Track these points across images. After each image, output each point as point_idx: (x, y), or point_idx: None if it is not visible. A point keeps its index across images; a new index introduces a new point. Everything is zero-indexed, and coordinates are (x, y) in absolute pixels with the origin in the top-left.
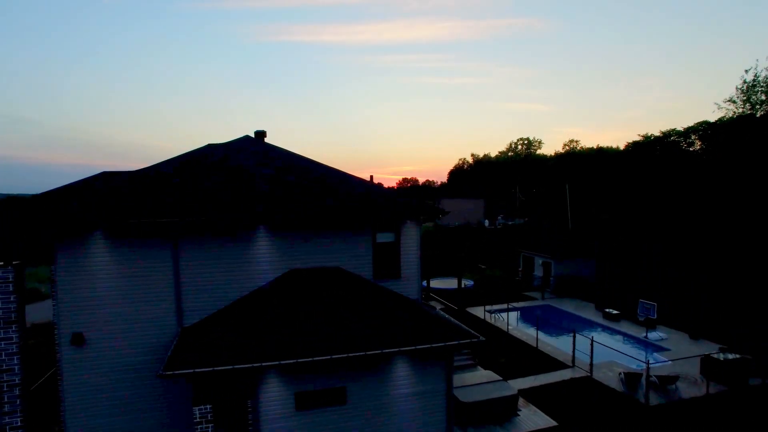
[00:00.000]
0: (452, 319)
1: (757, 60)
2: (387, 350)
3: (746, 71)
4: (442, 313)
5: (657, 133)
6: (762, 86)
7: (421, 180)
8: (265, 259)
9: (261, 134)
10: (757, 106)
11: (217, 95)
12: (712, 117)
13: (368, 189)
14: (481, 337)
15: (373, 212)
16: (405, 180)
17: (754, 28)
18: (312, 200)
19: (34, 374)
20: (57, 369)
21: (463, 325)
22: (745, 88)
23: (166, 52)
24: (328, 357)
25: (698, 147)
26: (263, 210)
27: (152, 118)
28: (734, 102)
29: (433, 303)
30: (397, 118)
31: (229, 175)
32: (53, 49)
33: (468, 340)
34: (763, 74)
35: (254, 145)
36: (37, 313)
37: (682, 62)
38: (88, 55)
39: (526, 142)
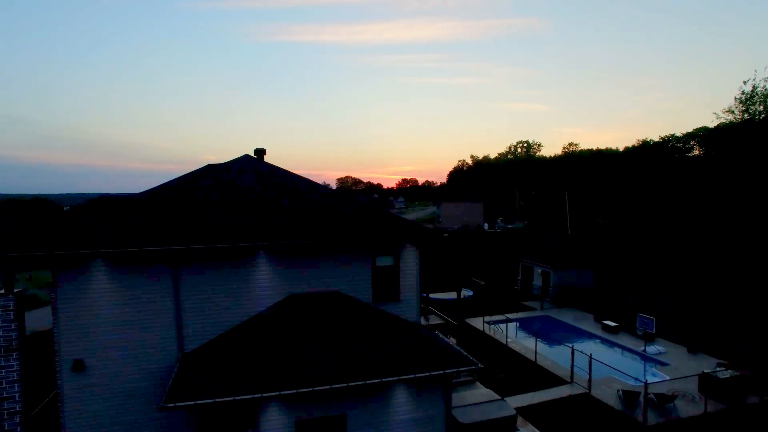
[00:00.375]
0: (451, 342)
1: (756, 71)
2: (386, 379)
3: (744, 82)
4: (441, 336)
5: (656, 137)
6: (760, 97)
7: (421, 180)
8: (264, 285)
9: (260, 152)
10: (756, 117)
11: (217, 95)
12: (711, 124)
13: (368, 211)
14: (479, 364)
15: (373, 237)
16: (405, 180)
17: (753, 28)
18: (311, 226)
19: (36, 379)
20: (58, 395)
21: (462, 351)
22: (743, 98)
23: (166, 52)
24: (328, 387)
25: (697, 153)
26: (262, 236)
27: (152, 118)
28: (732, 112)
29: (432, 316)
30: (397, 118)
31: (228, 200)
32: (53, 49)
33: (467, 368)
34: (762, 85)
35: (254, 166)
36: (37, 320)
37: (682, 63)
38: (88, 55)
39: (525, 145)
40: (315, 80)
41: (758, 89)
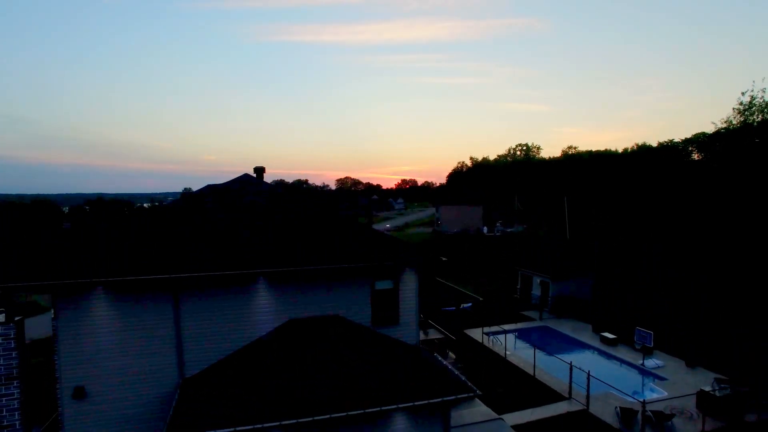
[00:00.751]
0: (450, 358)
1: (753, 81)
2: (385, 407)
3: (743, 93)
4: (440, 360)
5: (655, 141)
6: (759, 108)
7: (420, 181)
8: (265, 310)
9: (260, 171)
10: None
11: (217, 95)
12: (709, 131)
13: (369, 236)
14: (477, 391)
15: (373, 263)
16: (404, 181)
17: (753, 29)
18: (312, 251)
19: (36, 393)
20: (59, 422)
21: (460, 375)
22: (742, 109)
23: (166, 52)
24: (328, 416)
25: (696, 158)
26: (263, 263)
27: (152, 118)
28: (731, 123)
29: (431, 330)
30: (397, 118)
31: (229, 223)
32: (53, 49)
33: (465, 395)
34: (760, 95)
35: (254, 186)
36: (37, 328)
37: (681, 63)
38: (88, 55)
39: (524, 148)
40: (315, 80)
41: (756, 100)
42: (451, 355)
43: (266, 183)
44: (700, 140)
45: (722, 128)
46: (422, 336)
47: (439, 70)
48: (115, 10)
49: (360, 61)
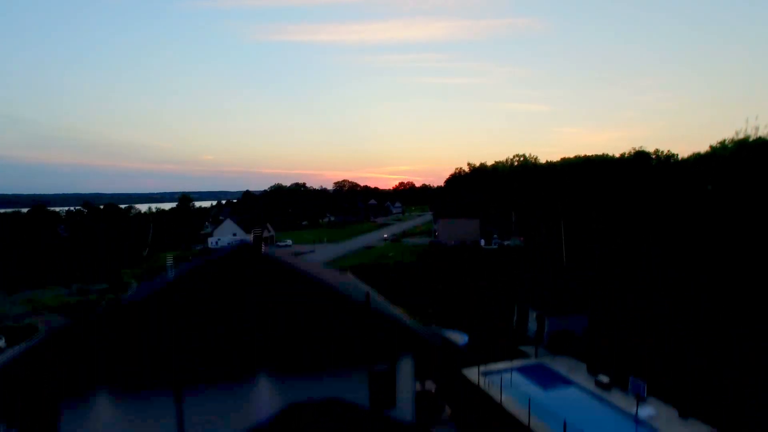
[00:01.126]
0: (447, 413)
1: (747, 119)
2: None
3: (737, 133)
4: None
5: (656, 136)
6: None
7: (419, 182)
8: (265, 397)
9: (259, 237)
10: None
11: (217, 95)
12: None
13: (365, 320)
14: None
15: (370, 353)
16: (402, 184)
17: (753, 29)
18: (311, 341)
19: None
20: None
21: None
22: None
23: (165, 52)
24: None
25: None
26: (262, 359)
27: (152, 118)
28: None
29: (428, 381)
30: (396, 118)
31: (228, 309)
32: (53, 49)
33: None
34: (753, 133)
35: (249, 264)
36: None
37: (680, 63)
38: (88, 55)
39: (522, 158)
40: (314, 80)
41: (750, 139)
42: (447, 410)
43: (265, 256)
44: (697, 159)
45: (717, 148)
46: (417, 387)
47: (438, 70)
48: (115, 10)
49: (359, 61)
